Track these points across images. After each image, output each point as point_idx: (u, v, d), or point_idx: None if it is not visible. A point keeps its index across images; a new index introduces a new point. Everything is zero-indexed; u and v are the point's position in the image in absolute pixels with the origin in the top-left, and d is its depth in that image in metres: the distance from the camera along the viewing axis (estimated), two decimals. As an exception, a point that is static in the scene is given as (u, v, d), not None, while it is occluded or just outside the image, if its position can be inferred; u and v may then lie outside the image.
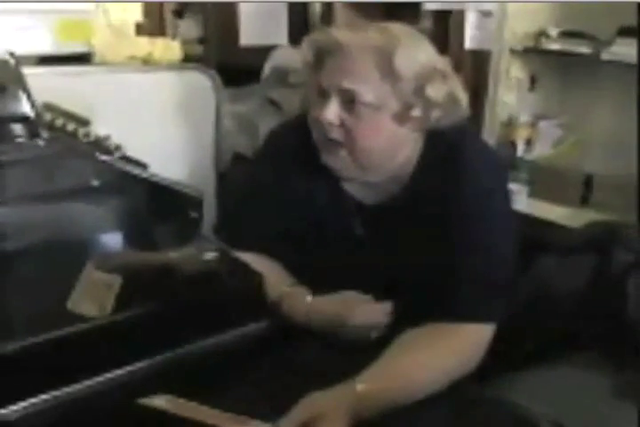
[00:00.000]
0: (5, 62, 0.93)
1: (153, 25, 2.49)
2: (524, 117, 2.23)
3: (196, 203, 1.01)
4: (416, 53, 1.07)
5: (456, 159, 1.11)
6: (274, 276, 1.13)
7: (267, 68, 2.48)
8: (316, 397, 0.90)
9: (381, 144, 1.10)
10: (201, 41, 2.86)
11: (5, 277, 0.97)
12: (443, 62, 1.11)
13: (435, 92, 1.07)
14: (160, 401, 0.88)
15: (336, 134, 1.09)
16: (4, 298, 0.94)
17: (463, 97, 1.11)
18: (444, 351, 1.03)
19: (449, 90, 1.09)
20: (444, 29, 2.31)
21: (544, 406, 0.99)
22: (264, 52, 2.52)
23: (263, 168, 1.25)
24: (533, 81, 2.23)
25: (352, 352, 1.06)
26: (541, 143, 2.23)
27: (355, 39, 1.06)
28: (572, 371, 1.17)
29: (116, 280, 0.93)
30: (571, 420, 0.98)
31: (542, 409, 0.98)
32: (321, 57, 1.10)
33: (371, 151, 1.10)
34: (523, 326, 1.17)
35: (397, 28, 1.10)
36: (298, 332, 1.11)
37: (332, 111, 1.07)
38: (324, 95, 1.09)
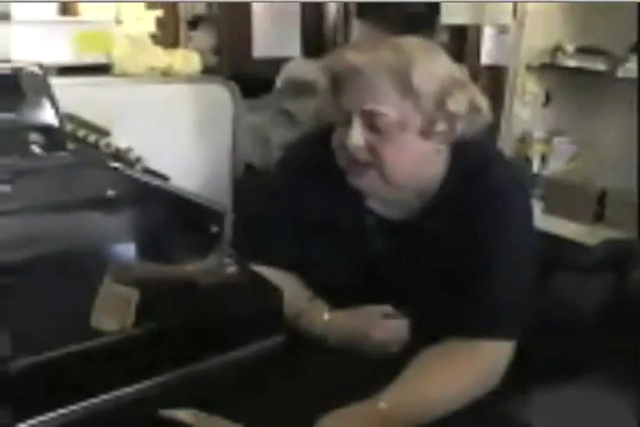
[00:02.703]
0: (32, 73, 0.93)
1: (167, 36, 2.51)
2: (538, 133, 2.23)
3: (218, 217, 1.00)
4: (433, 68, 1.06)
5: (483, 176, 1.11)
6: (292, 290, 1.12)
7: (280, 80, 2.49)
8: (338, 414, 0.89)
9: (409, 162, 1.09)
10: (215, 52, 2.88)
11: (19, 287, 0.96)
12: (459, 71, 1.10)
13: (456, 104, 1.06)
14: (184, 414, 0.87)
15: (363, 156, 1.08)
16: (17, 309, 0.93)
17: (483, 103, 1.10)
18: (464, 370, 1.02)
19: (469, 99, 1.07)
20: (461, 45, 2.31)
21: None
22: (277, 63, 2.53)
23: (282, 184, 1.24)
24: (548, 97, 2.24)
25: (369, 368, 1.05)
26: (556, 159, 2.24)
27: (369, 61, 1.05)
28: (588, 391, 1.14)
29: (134, 294, 0.93)
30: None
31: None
32: (337, 81, 1.09)
33: (400, 170, 1.09)
34: (538, 345, 1.16)
35: (410, 44, 1.08)
36: (315, 347, 1.11)
37: (357, 135, 1.06)
38: (346, 119, 1.08)
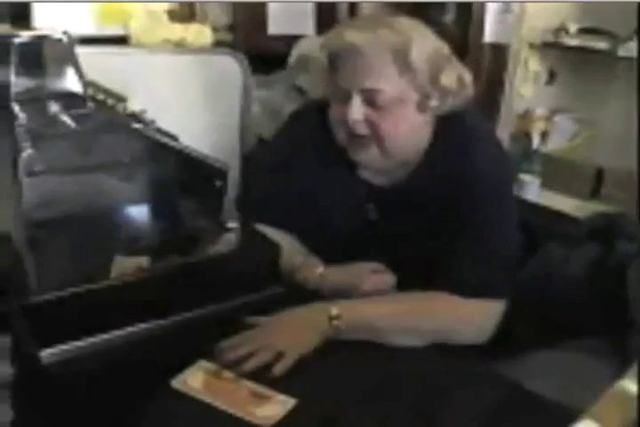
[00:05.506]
0: (59, 41, 0.98)
1: (183, 12, 2.56)
2: (540, 110, 2.27)
3: (222, 173, 1.07)
4: (426, 45, 1.12)
5: (468, 146, 1.17)
6: (289, 247, 1.19)
7: (293, 56, 2.54)
8: (289, 314, 1.01)
9: (407, 134, 1.16)
10: (230, 28, 2.92)
11: (50, 240, 1.04)
12: (445, 48, 1.16)
13: (448, 79, 1.13)
14: (193, 380, 0.93)
15: (362, 130, 1.14)
16: (45, 256, 1.01)
17: (468, 78, 1.17)
18: (441, 308, 1.10)
19: (458, 73, 1.15)
20: (466, 23, 2.36)
21: (544, 389, 1.00)
22: (291, 40, 2.58)
23: (281, 148, 1.31)
24: (552, 75, 2.27)
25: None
26: (556, 136, 2.28)
27: (368, 39, 1.10)
28: (572, 356, 1.18)
29: (145, 260, 1.04)
30: (571, 401, 0.98)
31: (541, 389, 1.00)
32: (336, 59, 1.14)
33: (398, 142, 1.16)
34: (525, 312, 1.21)
35: (403, 22, 1.14)
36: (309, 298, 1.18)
37: (357, 111, 1.12)
38: (345, 96, 1.13)
